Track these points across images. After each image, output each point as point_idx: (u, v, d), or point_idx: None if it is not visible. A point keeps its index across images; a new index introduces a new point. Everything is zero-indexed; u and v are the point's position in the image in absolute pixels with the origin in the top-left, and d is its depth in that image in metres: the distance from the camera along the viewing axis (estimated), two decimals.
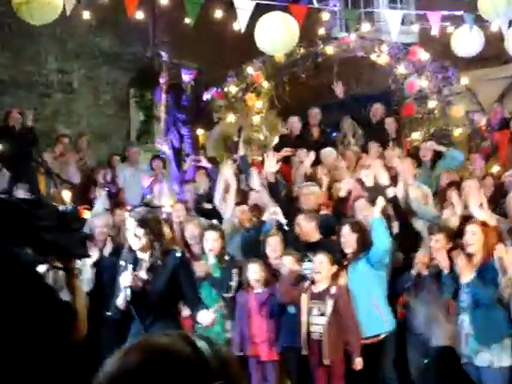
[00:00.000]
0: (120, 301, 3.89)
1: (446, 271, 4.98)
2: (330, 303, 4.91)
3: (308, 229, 5.59)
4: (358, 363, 4.88)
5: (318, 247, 5.33)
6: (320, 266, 5.01)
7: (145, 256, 3.89)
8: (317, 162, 7.59)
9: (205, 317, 3.86)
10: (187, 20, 6.92)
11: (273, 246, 5.48)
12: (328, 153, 7.71)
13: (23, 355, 2.17)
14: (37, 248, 2.29)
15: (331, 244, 5.51)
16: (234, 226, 6.07)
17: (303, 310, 4.98)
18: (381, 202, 5.15)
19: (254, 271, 5.15)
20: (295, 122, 8.85)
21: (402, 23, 7.37)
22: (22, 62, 9.84)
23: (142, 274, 3.86)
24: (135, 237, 3.83)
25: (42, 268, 2.45)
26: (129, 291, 3.81)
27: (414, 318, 5.18)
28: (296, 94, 9.62)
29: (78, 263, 2.57)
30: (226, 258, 5.36)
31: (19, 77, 9.80)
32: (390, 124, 8.44)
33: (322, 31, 8.79)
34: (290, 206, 6.37)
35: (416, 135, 8.79)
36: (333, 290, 4.97)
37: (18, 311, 2.18)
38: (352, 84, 10.17)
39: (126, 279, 3.83)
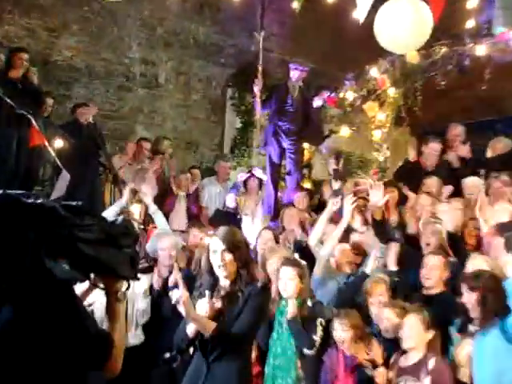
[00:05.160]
0: (191, 330, 3.99)
1: None
2: (426, 382, 4.55)
3: (433, 276, 5.41)
4: None
5: (438, 302, 5.12)
6: (410, 330, 4.72)
7: (226, 283, 4.04)
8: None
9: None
10: (294, 5, 6.85)
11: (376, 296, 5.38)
12: (471, 182, 7.45)
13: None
14: (74, 262, 2.39)
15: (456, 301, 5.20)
16: (330, 267, 6.02)
17: None
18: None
19: (341, 329, 4.98)
20: (433, 149, 8.29)
21: None
22: (101, 48, 10.25)
23: (218, 303, 4.01)
24: (221, 262, 3.98)
25: (80, 287, 2.62)
26: None
27: None
28: (432, 106, 9.38)
29: (124, 286, 2.63)
30: (310, 303, 5.22)
31: (96, 65, 10.18)
32: None
33: (471, 25, 8.32)
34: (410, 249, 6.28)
35: None
36: (431, 363, 4.62)
37: (43, 334, 2.33)
38: (509, 96, 9.67)
39: (202, 308, 3.96)
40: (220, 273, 4.00)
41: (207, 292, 3.98)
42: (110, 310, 2.61)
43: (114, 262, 2.49)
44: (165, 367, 5.65)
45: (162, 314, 5.82)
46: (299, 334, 5.08)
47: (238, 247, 3.99)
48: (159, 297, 5.99)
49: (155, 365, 5.72)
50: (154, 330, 5.85)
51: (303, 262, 5.59)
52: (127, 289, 2.63)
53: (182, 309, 3.80)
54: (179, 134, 10.96)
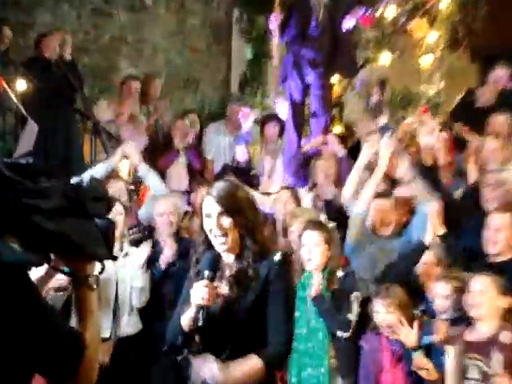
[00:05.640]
0: (186, 322, 3.69)
1: None
2: (498, 359, 4.42)
3: (499, 240, 5.34)
4: None
5: (507, 273, 4.97)
6: (480, 295, 4.61)
7: (231, 258, 3.79)
8: None
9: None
10: None
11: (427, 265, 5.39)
12: None
13: None
14: (27, 240, 2.23)
15: None
16: (367, 229, 5.95)
17: (451, 372, 4.55)
18: None
19: (386, 311, 4.92)
20: (500, 77, 8.04)
21: None
22: None
23: (223, 288, 3.75)
24: (219, 229, 3.67)
25: (38, 272, 2.58)
26: (202, 312, 3.65)
27: None
28: (499, 21, 9.04)
29: (97, 269, 2.43)
30: (340, 274, 5.21)
31: None
32: None
33: None
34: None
35: None
36: (505, 336, 4.57)
37: None
38: None
39: (198, 293, 3.63)
40: (217, 244, 3.70)
41: (206, 272, 3.63)
42: (80, 300, 2.43)
43: (82, 237, 2.31)
44: (168, 361, 5.55)
45: (163, 294, 5.84)
46: (328, 314, 5.12)
47: (239, 209, 3.67)
48: (158, 274, 5.99)
49: (156, 358, 5.75)
50: (153, 315, 5.81)
51: (331, 225, 5.66)
52: (101, 272, 2.43)
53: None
54: (174, 69, 10.63)
